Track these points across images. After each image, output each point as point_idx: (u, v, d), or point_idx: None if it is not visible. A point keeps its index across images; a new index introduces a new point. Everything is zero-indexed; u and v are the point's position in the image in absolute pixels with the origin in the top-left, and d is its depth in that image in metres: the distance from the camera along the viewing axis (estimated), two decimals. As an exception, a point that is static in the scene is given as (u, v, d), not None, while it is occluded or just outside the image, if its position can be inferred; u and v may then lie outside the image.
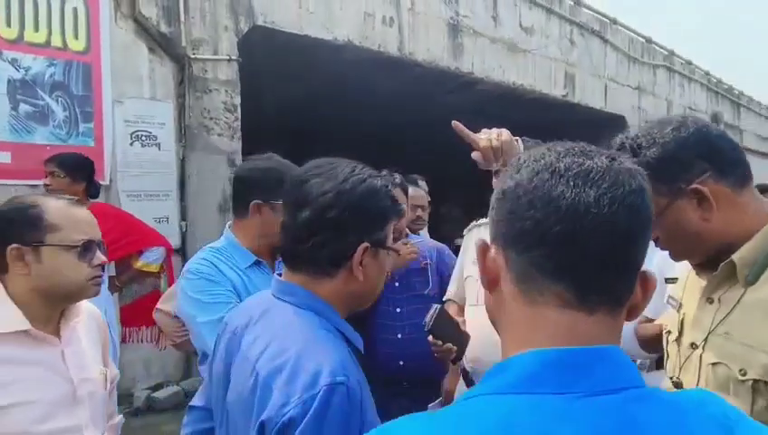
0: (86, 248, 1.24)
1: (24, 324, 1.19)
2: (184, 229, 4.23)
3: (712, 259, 1.05)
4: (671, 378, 1.13)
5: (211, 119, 4.35)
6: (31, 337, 1.20)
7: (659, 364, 1.81)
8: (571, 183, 0.59)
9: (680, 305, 1.16)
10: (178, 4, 4.10)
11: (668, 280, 1.78)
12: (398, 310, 2.12)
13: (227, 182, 4.43)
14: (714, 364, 1.01)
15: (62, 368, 1.23)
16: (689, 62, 11.28)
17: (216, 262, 1.54)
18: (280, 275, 1.06)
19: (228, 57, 4.40)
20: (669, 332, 1.18)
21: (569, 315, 0.58)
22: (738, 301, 0.98)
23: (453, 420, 0.56)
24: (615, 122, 9.07)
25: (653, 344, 1.79)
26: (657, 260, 1.89)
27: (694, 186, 0.99)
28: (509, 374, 0.57)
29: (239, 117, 4.49)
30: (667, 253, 1.83)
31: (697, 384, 1.04)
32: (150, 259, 3.19)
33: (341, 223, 0.96)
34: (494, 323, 0.68)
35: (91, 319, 1.39)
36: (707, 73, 12.00)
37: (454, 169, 5.93)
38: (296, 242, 0.99)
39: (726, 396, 0.96)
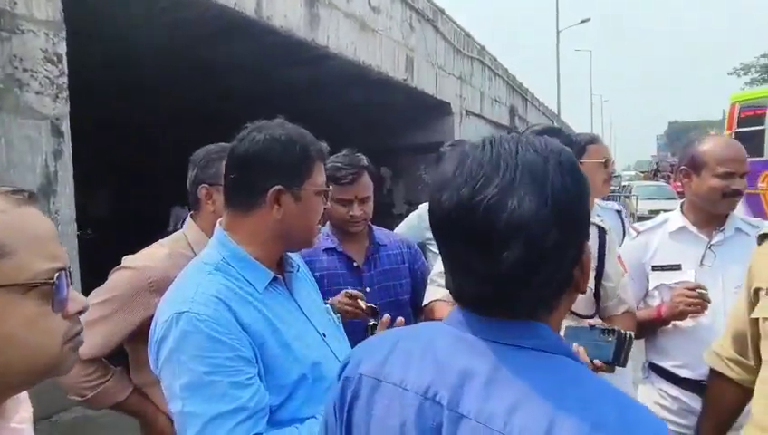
0: (58, 286, 0.67)
1: None
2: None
3: None
4: None
5: (25, 70, 3.25)
6: None
7: None
8: None
9: None
10: None
11: (660, 267, 1.80)
12: (372, 322, 1.77)
13: (51, 156, 3.40)
14: None
15: None
16: (495, 59, 12.56)
17: (228, 297, 1.03)
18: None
19: (48, -10, 3.33)
20: None
21: None
22: None
23: None
24: (443, 108, 9.66)
25: (642, 330, 1.80)
26: (633, 245, 1.91)
27: None
28: None
29: (66, 71, 3.45)
30: (647, 239, 1.86)
31: None
32: None
33: (564, 245, 0.64)
34: None
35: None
36: (507, 70, 13.54)
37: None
38: (509, 287, 0.63)
39: None
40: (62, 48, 3.43)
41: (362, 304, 1.59)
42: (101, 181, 9.76)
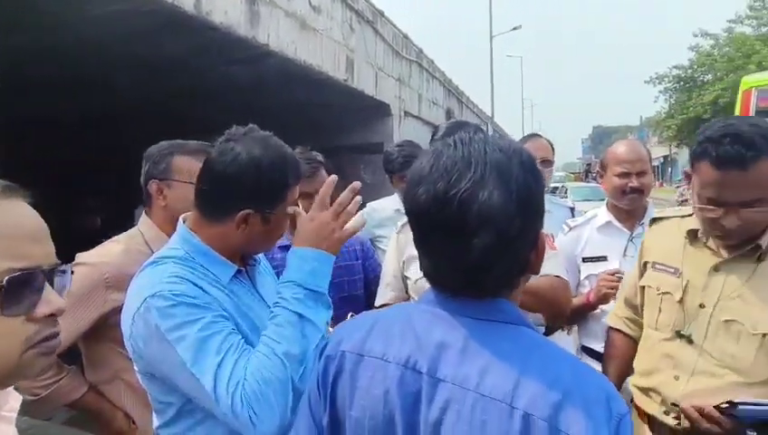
0: (21, 284, 0.62)
1: None
2: None
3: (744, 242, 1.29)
4: (678, 332, 1.35)
5: (-57, 60, 3.05)
6: None
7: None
8: None
9: (680, 273, 1.37)
10: None
11: (589, 259, 1.98)
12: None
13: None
14: (727, 321, 1.27)
15: None
16: (432, 62, 12.86)
17: (193, 278, 1.06)
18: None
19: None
20: (666, 292, 1.39)
21: None
22: (754, 272, 1.25)
23: None
24: (382, 109, 9.79)
25: (576, 316, 1.99)
26: (566, 240, 2.08)
27: None
28: None
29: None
30: (578, 234, 2.04)
31: (706, 338, 1.29)
32: None
33: (525, 232, 0.74)
34: None
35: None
36: (444, 73, 13.90)
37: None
38: (477, 273, 0.73)
39: (734, 346, 1.25)
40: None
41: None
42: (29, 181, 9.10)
